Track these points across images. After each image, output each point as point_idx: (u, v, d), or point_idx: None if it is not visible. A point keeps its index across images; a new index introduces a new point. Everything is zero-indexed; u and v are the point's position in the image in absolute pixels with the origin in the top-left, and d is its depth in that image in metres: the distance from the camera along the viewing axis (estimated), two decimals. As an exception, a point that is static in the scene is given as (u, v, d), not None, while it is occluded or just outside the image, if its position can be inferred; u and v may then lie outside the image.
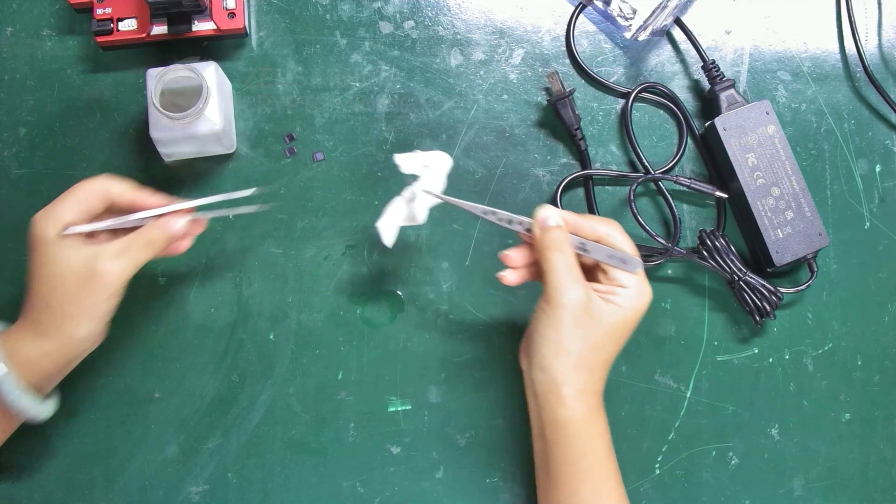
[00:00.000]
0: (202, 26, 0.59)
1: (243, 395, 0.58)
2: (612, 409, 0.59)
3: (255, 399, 0.58)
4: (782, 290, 0.58)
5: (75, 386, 0.57)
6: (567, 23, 0.62)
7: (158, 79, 0.52)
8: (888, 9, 0.64)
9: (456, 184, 0.60)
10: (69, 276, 0.49)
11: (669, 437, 0.59)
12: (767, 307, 0.57)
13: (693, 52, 0.61)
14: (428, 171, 0.53)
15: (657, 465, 0.58)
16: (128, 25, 0.58)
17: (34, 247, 0.49)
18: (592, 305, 0.49)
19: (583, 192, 0.60)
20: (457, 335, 0.59)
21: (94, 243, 0.50)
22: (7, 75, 0.60)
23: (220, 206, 0.53)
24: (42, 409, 0.51)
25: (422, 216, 0.52)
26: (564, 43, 0.62)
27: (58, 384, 0.53)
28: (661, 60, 0.62)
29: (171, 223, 0.51)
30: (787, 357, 0.60)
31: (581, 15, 0.62)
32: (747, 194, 0.57)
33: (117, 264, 0.49)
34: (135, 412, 0.57)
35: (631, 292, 0.50)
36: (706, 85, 0.61)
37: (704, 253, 0.57)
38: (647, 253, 0.59)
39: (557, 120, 0.60)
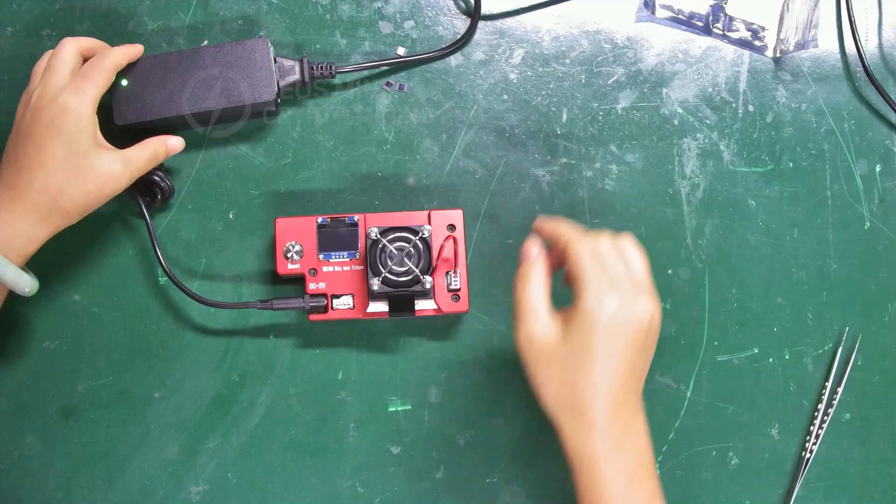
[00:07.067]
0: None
1: (243, 395, 0.58)
2: (612, 409, 0.59)
3: (255, 399, 0.58)
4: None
5: (75, 386, 0.57)
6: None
7: None
8: (888, 9, 0.64)
9: (456, 184, 0.60)
10: (94, 171, 0.49)
11: (669, 437, 0.59)
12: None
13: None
14: None
15: (657, 466, 0.58)
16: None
17: (66, 126, 0.48)
18: (561, 332, 0.44)
19: (583, 192, 0.60)
20: (457, 335, 0.59)
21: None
22: (7, 75, 0.60)
23: None
24: (30, 281, 0.50)
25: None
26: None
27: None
28: (662, 60, 0.62)
29: (173, 141, 0.54)
30: (787, 357, 0.60)
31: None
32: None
33: (126, 171, 0.51)
34: (135, 412, 0.57)
35: (586, 298, 0.43)
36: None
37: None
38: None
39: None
